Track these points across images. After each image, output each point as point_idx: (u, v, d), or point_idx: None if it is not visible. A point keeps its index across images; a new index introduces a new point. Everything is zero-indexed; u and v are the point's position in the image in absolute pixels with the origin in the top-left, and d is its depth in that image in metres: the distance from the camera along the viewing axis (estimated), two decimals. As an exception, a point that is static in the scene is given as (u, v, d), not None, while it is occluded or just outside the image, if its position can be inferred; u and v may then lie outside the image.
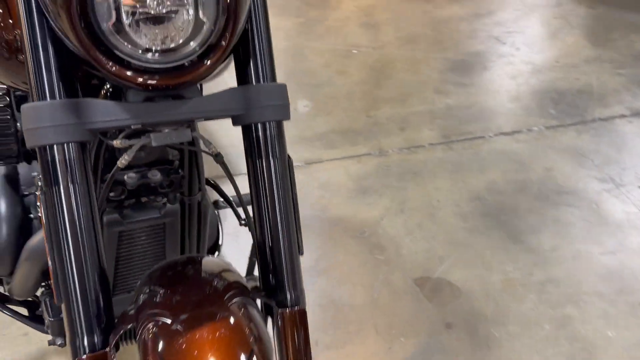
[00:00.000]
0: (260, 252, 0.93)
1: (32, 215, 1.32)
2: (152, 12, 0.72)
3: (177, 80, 0.76)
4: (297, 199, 1.00)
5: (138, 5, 0.71)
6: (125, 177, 1.05)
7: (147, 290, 0.87)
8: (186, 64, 0.76)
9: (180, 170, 1.15)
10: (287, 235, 0.92)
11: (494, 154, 2.42)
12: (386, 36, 3.34)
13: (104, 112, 0.77)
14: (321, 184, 2.34)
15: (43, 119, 0.75)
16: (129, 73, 0.73)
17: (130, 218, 1.12)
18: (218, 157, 1.07)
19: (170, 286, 0.87)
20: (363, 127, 2.65)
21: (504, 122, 2.61)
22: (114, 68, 0.73)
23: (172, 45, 0.74)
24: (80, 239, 0.78)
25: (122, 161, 0.87)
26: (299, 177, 2.38)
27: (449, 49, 3.16)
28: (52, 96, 0.76)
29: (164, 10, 0.72)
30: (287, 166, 0.93)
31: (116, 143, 0.86)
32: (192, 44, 0.75)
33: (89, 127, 0.77)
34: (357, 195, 2.27)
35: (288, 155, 0.98)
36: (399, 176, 2.34)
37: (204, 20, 0.73)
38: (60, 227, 0.78)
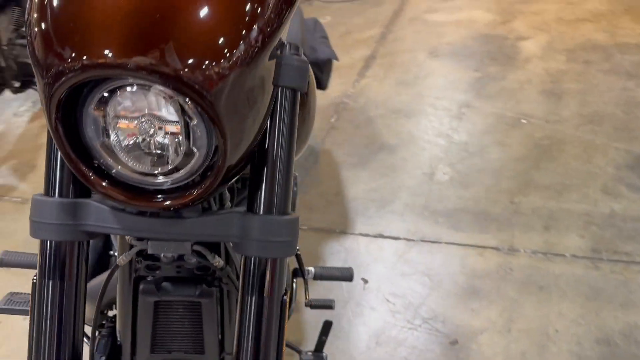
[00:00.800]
0: None
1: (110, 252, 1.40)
2: (143, 137, 0.74)
3: (161, 205, 0.77)
4: (284, 341, 0.88)
5: (130, 129, 0.73)
6: (162, 255, 1.01)
7: None
8: (173, 188, 0.78)
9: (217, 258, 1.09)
10: None
11: (649, 289, 1.95)
12: (567, 110, 2.92)
13: (101, 217, 0.81)
14: (427, 269, 2.09)
15: (45, 215, 0.81)
16: (110, 188, 0.76)
17: (166, 291, 1.09)
18: (223, 271, 1.00)
19: None
20: (501, 214, 2.32)
21: (677, 250, 2.10)
22: (93, 178, 0.76)
23: (160, 170, 0.76)
24: (58, 333, 0.84)
25: (120, 261, 0.93)
26: (410, 254, 2.16)
27: (638, 141, 2.66)
28: (60, 194, 0.81)
29: (157, 138, 0.74)
30: (280, 307, 0.86)
31: (127, 238, 0.91)
32: (182, 172, 0.76)
33: (84, 229, 0.82)
34: (463, 295, 1.98)
35: (286, 290, 0.87)
36: (520, 285, 2.00)
37: (195, 150, 0.74)
38: (42, 318, 0.83)
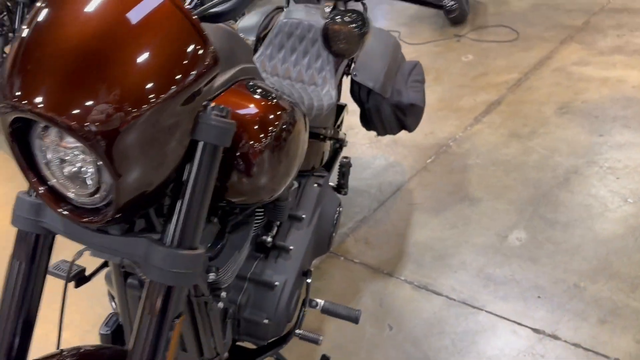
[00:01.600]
0: None
1: None
2: (70, 168, 0.91)
3: (75, 218, 0.94)
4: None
5: (61, 156, 0.90)
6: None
7: None
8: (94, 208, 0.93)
9: None
10: None
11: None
12: (687, 198, 2.61)
13: (53, 219, 1.00)
14: (454, 333, 2.04)
15: (20, 209, 1.01)
16: (45, 195, 0.93)
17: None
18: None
19: None
20: (558, 295, 2.17)
21: None
22: (35, 184, 0.94)
23: (75, 193, 0.93)
24: (18, 302, 1.02)
25: (75, 256, 1.11)
26: (446, 313, 2.12)
27: None
28: (36, 195, 0.99)
29: (79, 167, 0.90)
30: (168, 329, 0.96)
31: None
32: (94, 197, 0.92)
33: (43, 226, 1.01)
34: (479, 368, 1.91)
35: (180, 314, 1.02)
36: (543, 375, 1.88)
37: (102, 184, 0.90)
38: (9, 288, 1.03)
